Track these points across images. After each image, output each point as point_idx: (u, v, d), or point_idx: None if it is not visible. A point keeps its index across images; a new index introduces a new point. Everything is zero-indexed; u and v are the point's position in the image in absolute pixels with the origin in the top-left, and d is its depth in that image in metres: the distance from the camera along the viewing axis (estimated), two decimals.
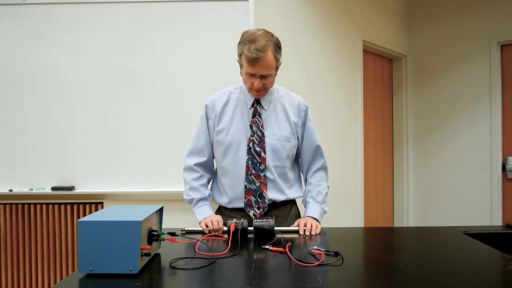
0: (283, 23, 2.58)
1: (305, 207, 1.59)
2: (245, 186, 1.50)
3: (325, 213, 1.58)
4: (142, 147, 2.18)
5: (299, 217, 1.62)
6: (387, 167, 3.81)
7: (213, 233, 1.38)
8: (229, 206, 1.55)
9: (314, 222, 1.45)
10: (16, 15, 2.17)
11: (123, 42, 2.18)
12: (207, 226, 1.42)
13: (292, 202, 1.63)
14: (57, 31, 2.18)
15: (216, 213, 1.65)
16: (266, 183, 1.51)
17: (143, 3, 2.19)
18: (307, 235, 1.38)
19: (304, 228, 1.41)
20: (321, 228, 1.45)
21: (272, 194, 1.52)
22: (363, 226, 3.21)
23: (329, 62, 2.94)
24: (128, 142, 2.18)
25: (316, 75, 2.84)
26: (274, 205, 1.54)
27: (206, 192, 1.57)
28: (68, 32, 2.18)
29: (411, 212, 3.81)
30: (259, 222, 1.30)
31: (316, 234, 1.39)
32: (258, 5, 2.23)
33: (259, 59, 1.37)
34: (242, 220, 1.28)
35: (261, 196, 1.50)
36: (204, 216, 1.49)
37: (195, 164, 1.58)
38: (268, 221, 1.30)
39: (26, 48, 2.17)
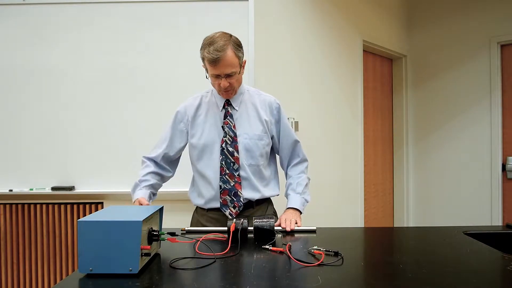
0: (283, 23, 2.58)
1: (287, 200, 1.61)
2: (220, 186, 1.53)
3: (307, 202, 1.61)
4: (142, 147, 2.17)
5: (276, 215, 1.64)
6: (387, 167, 3.81)
7: (213, 233, 1.37)
8: (206, 207, 1.57)
9: (294, 217, 1.47)
10: (16, 15, 2.17)
11: (123, 42, 2.18)
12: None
13: (268, 202, 1.65)
14: (57, 31, 2.18)
15: (194, 214, 1.68)
16: (240, 182, 1.53)
17: (143, 3, 2.19)
18: (288, 230, 1.40)
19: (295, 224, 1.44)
20: (321, 228, 1.45)
21: (247, 193, 1.54)
22: (363, 226, 3.21)
23: (329, 62, 2.94)
24: (128, 142, 2.18)
25: (316, 75, 2.84)
26: (250, 204, 1.56)
27: (139, 179, 1.55)
28: (68, 32, 2.18)
29: (411, 212, 3.81)
30: (259, 222, 1.30)
31: (296, 226, 1.42)
32: (258, 5, 2.23)
33: (220, 58, 1.41)
34: (242, 220, 1.28)
35: (236, 195, 1.52)
36: (133, 199, 1.49)
37: (144, 156, 1.63)
38: (268, 221, 1.30)
39: (26, 48, 2.17)
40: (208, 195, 1.55)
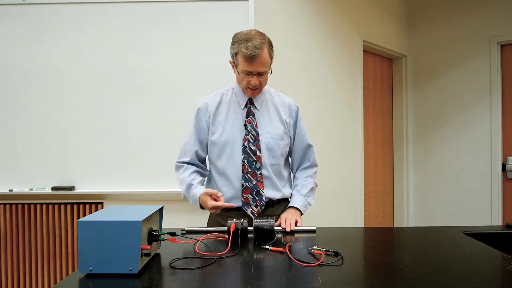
0: (283, 23, 2.58)
1: (290, 200, 1.62)
2: (242, 184, 1.52)
3: (310, 205, 1.61)
4: (142, 147, 2.18)
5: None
6: (387, 167, 3.81)
7: (213, 233, 1.37)
8: None
9: (294, 216, 1.46)
10: (16, 15, 2.17)
11: (123, 42, 2.18)
12: (210, 209, 1.43)
13: (287, 201, 1.65)
14: (57, 31, 2.18)
15: (211, 214, 1.66)
16: (262, 181, 1.53)
17: (143, 3, 2.19)
18: (288, 231, 1.40)
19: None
20: (321, 228, 1.45)
21: (269, 192, 1.54)
22: (363, 226, 3.21)
23: (329, 62, 2.94)
24: (128, 142, 2.18)
25: (316, 75, 2.84)
26: (270, 203, 1.56)
27: (189, 179, 1.54)
28: (68, 32, 2.18)
29: (411, 212, 3.81)
30: (259, 222, 1.30)
31: (295, 227, 1.41)
32: (258, 5, 2.23)
33: (257, 56, 1.41)
34: (242, 220, 1.28)
35: (258, 194, 1.52)
36: (197, 201, 1.48)
37: (178, 161, 1.62)
38: (268, 221, 1.30)
39: (26, 48, 2.17)
40: (228, 193, 1.54)
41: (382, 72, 3.74)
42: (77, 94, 2.18)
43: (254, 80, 1.47)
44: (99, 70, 2.18)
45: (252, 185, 1.52)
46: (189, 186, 1.53)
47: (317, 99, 2.84)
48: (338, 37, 3.01)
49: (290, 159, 1.71)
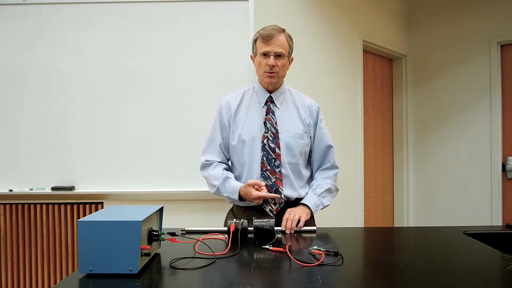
0: (283, 23, 2.56)
1: None
2: None
3: (323, 205, 1.58)
4: (142, 147, 2.18)
5: (312, 218, 1.59)
6: (387, 167, 3.81)
7: (213, 233, 1.37)
8: (245, 204, 1.55)
9: (298, 213, 1.45)
10: (15, 15, 2.17)
11: (123, 42, 2.18)
12: (253, 198, 1.44)
13: None
14: (57, 31, 2.18)
15: (229, 214, 1.66)
16: (281, 179, 1.52)
17: (143, 3, 2.19)
18: (287, 232, 1.40)
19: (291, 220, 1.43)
20: (321, 228, 1.45)
21: (287, 191, 1.54)
22: (363, 226, 3.21)
23: (329, 62, 2.94)
24: (128, 142, 2.18)
25: (316, 75, 2.83)
26: (288, 203, 1.55)
27: (225, 173, 1.55)
28: (68, 32, 2.18)
29: (411, 212, 3.81)
30: (259, 222, 1.30)
31: (297, 227, 1.41)
32: (258, 5, 2.23)
33: (274, 35, 1.49)
34: (242, 220, 1.28)
35: (277, 191, 1.51)
36: (237, 193, 1.48)
37: (207, 160, 1.60)
38: (268, 221, 1.30)
39: (26, 48, 2.17)
40: None
41: (382, 72, 3.74)
42: (77, 94, 2.18)
43: (271, 60, 1.50)
44: (99, 70, 2.18)
45: (271, 183, 1.51)
46: (226, 178, 1.53)
47: (317, 99, 2.82)
48: (338, 37, 3.01)
49: (310, 160, 1.68)
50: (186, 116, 2.16)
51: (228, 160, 1.65)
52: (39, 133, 2.17)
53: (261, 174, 1.51)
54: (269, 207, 1.51)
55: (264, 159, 1.52)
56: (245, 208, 1.56)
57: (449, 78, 3.54)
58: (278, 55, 1.51)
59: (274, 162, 1.52)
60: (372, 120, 3.55)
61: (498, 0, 3.27)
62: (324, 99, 2.91)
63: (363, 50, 3.28)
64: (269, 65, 1.50)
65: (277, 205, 1.52)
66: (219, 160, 1.60)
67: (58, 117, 2.18)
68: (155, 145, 2.17)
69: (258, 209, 1.51)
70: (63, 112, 2.18)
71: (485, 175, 3.31)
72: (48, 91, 2.18)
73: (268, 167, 1.51)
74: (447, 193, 3.56)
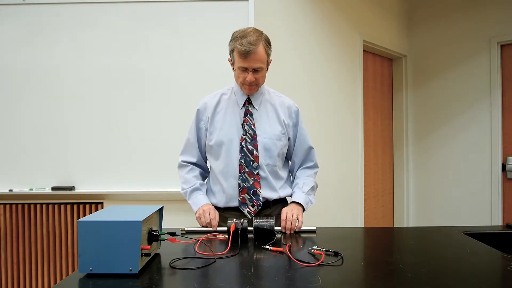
0: (283, 23, 2.58)
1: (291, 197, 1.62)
2: (239, 184, 1.52)
3: (311, 203, 1.60)
4: (142, 147, 2.18)
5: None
6: (387, 167, 3.81)
7: (213, 233, 1.37)
8: (223, 206, 1.56)
9: (296, 212, 1.45)
10: (15, 15, 2.17)
11: (123, 41, 2.18)
12: (201, 219, 1.47)
13: (283, 202, 1.65)
14: (57, 31, 2.18)
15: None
16: (259, 181, 1.53)
17: (143, 3, 2.19)
18: (287, 233, 1.40)
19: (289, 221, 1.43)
20: (321, 228, 1.45)
21: (266, 193, 1.54)
22: (363, 226, 3.21)
23: (329, 62, 2.94)
24: (128, 142, 2.18)
25: (316, 75, 2.84)
26: (267, 204, 1.56)
27: (198, 182, 1.59)
28: (68, 32, 2.18)
29: (411, 212, 3.81)
30: (259, 222, 1.30)
31: (296, 227, 1.41)
32: (258, 5, 2.23)
33: (251, 51, 1.42)
34: (242, 220, 1.28)
35: (255, 193, 1.52)
36: (198, 206, 1.52)
37: (183, 161, 1.64)
38: (268, 221, 1.30)
39: (26, 48, 2.17)
40: (226, 192, 1.54)
41: (382, 72, 3.74)
42: (77, 94, 2.18)
43: (249, 76, 1.47)
44: (99, 70, 2.18)
45: (249, 185, 1.52)
46: (196, 190, 1.57)
47: (317, 99, 2.84)
48: (338, 37, 3.01)
49: (290, 161, 1.70)
50: (186, 116, 2.16)
51: (205, 161, 1.67)
52: (39, 133, 2.17)
53: (239, 176, 1.52)
54: (247, 209, 1.52)
55: (242, 161, 1.51)
56: (223, 209, 1.57)
57: (449, 78, 3.55)
58: (256, 70, 1.49)
59: (252, 164, 1.52)
60: (372, 120, 3.55)
61: (498, 0, 3.27)
62: (324, 99, 2.91)
63: (363, 50, 3.29)
64: (248, 80, 1.48)
65: (255, 206, 1.52)
66: (195, 161, 1.63)
67: (58, 117, 2.18)
68: (155, 145, 2.18)
69: (236, 210, 1.54)
70: (63, 112, 2.18)
71: (485, 175, 3.31)
72: (48, 91, 2.18)
73: (246, 169, 1.52)
74: (447, 193, 3.56)
